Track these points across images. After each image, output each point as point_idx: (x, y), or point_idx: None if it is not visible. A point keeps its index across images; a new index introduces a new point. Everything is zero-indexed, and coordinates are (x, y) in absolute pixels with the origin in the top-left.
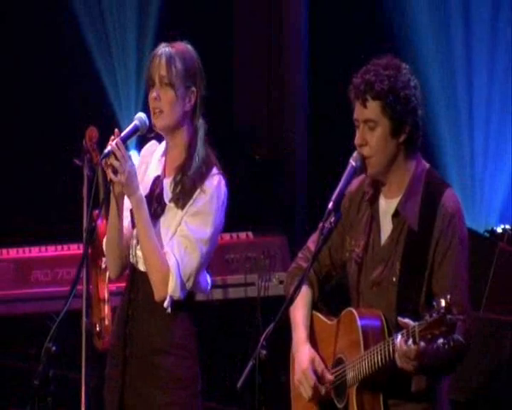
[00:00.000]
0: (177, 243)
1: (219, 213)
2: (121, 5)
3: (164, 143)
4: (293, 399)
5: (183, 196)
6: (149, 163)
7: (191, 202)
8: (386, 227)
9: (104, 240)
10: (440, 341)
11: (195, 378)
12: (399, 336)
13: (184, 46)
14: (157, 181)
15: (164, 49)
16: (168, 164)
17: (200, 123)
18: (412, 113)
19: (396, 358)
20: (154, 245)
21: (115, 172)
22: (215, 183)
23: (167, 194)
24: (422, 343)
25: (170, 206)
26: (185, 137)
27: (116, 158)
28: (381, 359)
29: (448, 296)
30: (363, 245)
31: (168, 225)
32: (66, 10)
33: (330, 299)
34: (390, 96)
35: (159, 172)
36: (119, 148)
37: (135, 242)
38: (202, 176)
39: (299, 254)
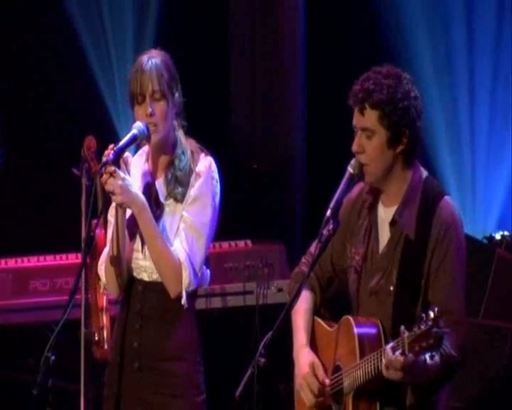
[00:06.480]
0: (185, 235)
1: (216, 192)
2: (120, 20)
3: (141, 151)
4: (296, 403)
5: (180, 187)
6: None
7: (188, 188)
8: (384, 235)
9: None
10: (428, 354)
11: (204, 384)
12: (389, 345)
13: (163, 53)
14: (148, 187)
15: (149, 62)
16: (155, 167)
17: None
18: (410, 124)
19: (382, 367)
20: (163, 246)
21: (111, 192)
22: (207, 164)
23: (163, 194)
24: (411, 355)
25: (168, 203)
26: (170, 138)
27: (108, 178)
28: (374, 368)
29: (436, 309)
30: (362, 253)
31: (170, 222)
32: (66, 23)
33: (334, 304)
34: (388, 106)
35: (147, 178)
36: (107, 170)
37: (135, 254)
38: (194, 162)
39: (302, 259)
